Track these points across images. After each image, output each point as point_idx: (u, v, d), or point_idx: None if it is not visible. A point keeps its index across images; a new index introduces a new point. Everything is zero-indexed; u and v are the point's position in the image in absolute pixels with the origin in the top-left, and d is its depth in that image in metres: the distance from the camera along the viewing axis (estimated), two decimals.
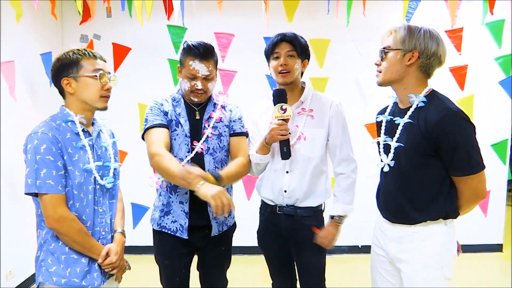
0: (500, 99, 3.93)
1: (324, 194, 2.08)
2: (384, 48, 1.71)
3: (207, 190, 1.69)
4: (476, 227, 3.94)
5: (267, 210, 2.13)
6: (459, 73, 3.68)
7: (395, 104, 1.82)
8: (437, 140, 1.58)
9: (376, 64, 1.75)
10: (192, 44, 1.94)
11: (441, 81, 3.47)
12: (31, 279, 3.42)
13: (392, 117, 1.77)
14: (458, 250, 1.76)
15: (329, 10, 3.50)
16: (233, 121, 2.09)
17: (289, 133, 1.93)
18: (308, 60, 2.08)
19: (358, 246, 3.91)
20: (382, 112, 1.88)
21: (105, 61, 1.74)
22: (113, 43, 3.72)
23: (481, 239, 4.09)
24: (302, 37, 2.04)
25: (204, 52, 1.93)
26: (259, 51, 3.83)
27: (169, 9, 3.56)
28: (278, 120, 1.91)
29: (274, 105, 1.93)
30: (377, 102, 1.98)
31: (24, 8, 3.22)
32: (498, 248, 4.19)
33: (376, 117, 1.90)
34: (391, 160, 1.72)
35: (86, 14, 3.86)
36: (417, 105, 1.66)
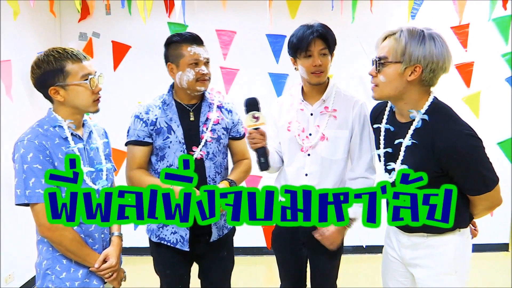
0: (507, 96, 3.86)
1: None
2: (380, 58, 1.52)
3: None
4: (482, 227, 3.81)
5: None
6: (465, 70, 3.61)
7: (391, 111, 1.68)
8: (446, 165, 1.48)
9: (371, 75, 1.57)
10: (178, 34, 1.91)
11: (446, 78, 3.44)
12: (31, 282, 3.36)
13: (390, 127, 1.64)
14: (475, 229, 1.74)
15: (333, 7, 3.45)
16: (235, 124, 2.02)
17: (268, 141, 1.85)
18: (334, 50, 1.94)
19: (362, 246, 3.89)
20: (376, 113, 1.76)
21: (88, 60, 1.64)
22: (112, 41, 3.67)
23: (487, 238, 4.02)
24: (328, 27, 1.90)
25: (197, 37, 1.90)
26: (261, 49, 3.82)
27: (169, 6, 3.51)
28: (251, 129, 1.81)
29: (246, 114, 1.83)
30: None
31: (22, 6, 3.16)
32: (504, 247, 4.14)
33: (374, 124, 1.76)
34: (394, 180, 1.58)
35: (85, 12, 3.80)
36: (418, 123, 1.53)
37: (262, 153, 1.82)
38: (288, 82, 3.75)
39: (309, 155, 1.94)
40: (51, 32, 3.81)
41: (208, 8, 3.84)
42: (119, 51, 3.67)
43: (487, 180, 1.50)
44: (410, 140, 1.53)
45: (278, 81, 3.76)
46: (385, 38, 1.54)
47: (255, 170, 2.08)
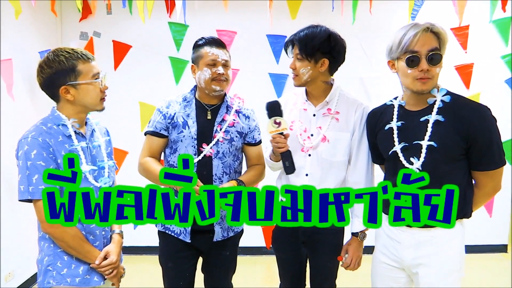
0: (506, 98, 3.87)
1: None
2: (435, 50, 1.59)
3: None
4: (481, 228, 3.89)
5: None
6: (465, 72, 3.63)
7: (400, 108, 1.75)
8: (473, 137, 1.57)
9: (426, 69, 1.59)
10: (203, 37, 1.99)
11: (446, 79, 3.44)
12: (31, 280, 3.38)
13: (401, 122, 1.71)
14: None
15: (334, 8, 3.45)
16: (252, 130, 2.05)
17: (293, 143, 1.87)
18: (332, 57, 1.90)
19: None
20: (375, 117, 1.82)
21: (94, 60, 1.68)
22: (113, 41, 3.68)
23: (486, 239, 4.05)
24: (324, 32, 1.87)
25: (218, 40, 1.98)
26: (262, 49, 3.83)
27: (170, 6, 3.52)
28: (274, 134, 1.81)
29: (269, 118, 1.83)
30: (382, 101, 1.92)
31: (23, 5, 3.17)
32: (503, 248, 4.15)
33: (384, 126, 1.78)
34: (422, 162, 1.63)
35: (86, 11, 3.81)
36: (440, 103, 1.63)
37: (287, 156, 1.83)
38: (288, 82, 3.76)
39: (309, 155, 1.95)
40: (52, 31, 3.82)
41: (209, 8, 3.85)
42: (120, 50, 3.68)
43: (502, 153, 1.62)
44: (437, 116, 1.62)
45: (278, 81, 3.78)
46: (427, 31, 1.60)
47: None
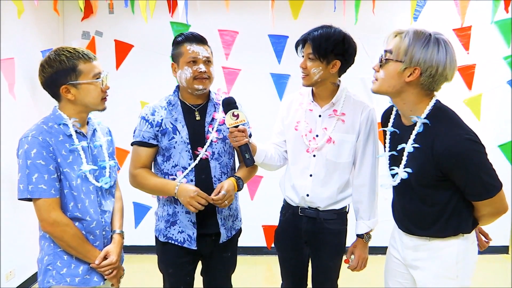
0: (508, 99, 3.86)
1: (350, 198, 2.00)
2: (385, 51, 1.54)
3: (182, 195, 1.81)
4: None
5: (288, 211, 2.06)
6: (467, 73, 3.61)
7: (398, 114, 1.69)
8: (445, 169, 1.47)
9: (374, 69, 1.59)
10: (182, 34, 1.91)
11: None
12: (32, 279, 3.38)
13: (396, 130, 1.66)
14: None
15: (336, 8, 3.45)
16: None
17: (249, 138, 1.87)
18: (344, 59, 1.88)
19: None
20: (387, 115, 1.79)
21: (97, 60, 1.67)
22: (115, 40, 3.67)
23: None
24: (339, 33, 1.84)
25: (198, 36, 1.90)
26: (263, 49, 3.83)
27: (172, 6, 3.52)
28: (231, 127, 1.81)
29: (225, 113, 1.83)
30: (383, 101, 1.92)
31: (25, 4, 3.17)
32: (504, 250, 4.15)
33: (383, 127, 1.78)
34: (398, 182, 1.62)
35: (88, 11, 3.81)
36: (420, 128, 1.54)
37: (246, 149, 1.83)
38: (289, 82, 3.76)
39: (314, 156, 1.95)
40: (55, 31, 3.82)
41: (211, 8, 3.86)
42: (122, 50, 3.67)
43: (487, 185, 1.49)
44: (412, 145, 1.54)
45: (280, 81, 3.77)
46: (395, 36, 1.55)
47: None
